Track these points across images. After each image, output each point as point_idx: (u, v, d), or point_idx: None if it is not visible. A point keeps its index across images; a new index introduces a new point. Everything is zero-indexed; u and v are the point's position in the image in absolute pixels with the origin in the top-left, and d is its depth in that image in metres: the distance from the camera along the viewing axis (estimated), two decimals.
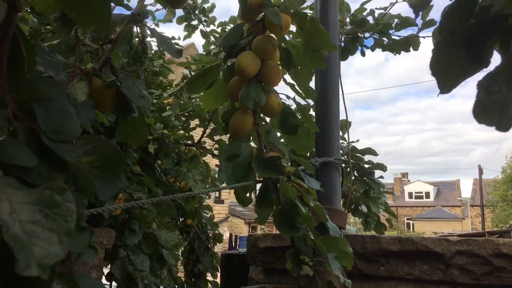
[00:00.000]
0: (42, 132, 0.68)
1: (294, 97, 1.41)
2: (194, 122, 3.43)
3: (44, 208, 0.54)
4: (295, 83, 1.44)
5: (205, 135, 3.15)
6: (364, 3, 2.84)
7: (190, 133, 3.32)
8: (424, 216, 43.75)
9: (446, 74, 0.69)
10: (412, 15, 0.82)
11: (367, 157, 2.53)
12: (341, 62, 2.88)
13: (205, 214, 3.52)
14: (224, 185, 1.27)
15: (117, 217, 2.50)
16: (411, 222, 44.96)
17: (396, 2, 2.83)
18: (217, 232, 3.57)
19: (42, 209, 0.53)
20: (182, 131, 3.27)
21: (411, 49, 2.87)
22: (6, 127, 0.61)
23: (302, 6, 2.16)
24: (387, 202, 2.83)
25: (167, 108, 3.32)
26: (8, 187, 0.55)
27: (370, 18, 2.87)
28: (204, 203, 3.50)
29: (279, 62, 1.40)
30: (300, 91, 1.42)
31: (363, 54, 2.88)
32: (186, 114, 3.32)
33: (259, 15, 1.34)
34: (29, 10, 1.90)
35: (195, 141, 3.15)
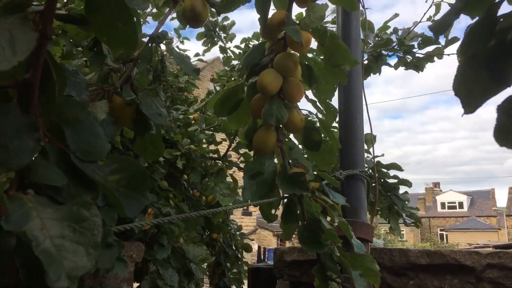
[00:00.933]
0: (72, 152, 0.71)
1: (316, 114, 1.42)
2: (220, 136, 3.48)
3: (72, 223, 0.56)
4: (316, 100, 1.46)
5: (230, 148, 3.18)
6: (388, 21, 2.83)
7: (216, 147, 3.36)
8: (458, 227, 42.42)
9: (470, 94, 0.69)
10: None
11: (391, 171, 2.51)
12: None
13: (233, 225, 3.54)
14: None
15: (146, 231, 2.54)
16: (444, 233, 43.66)
17: (420, 22, 2.81)
18: (245, 242, 3.58)
19: (70, 224, 0.56)
20: (207, 144, 3.32)
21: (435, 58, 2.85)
22: (38, 149, 0.65)
23: (325, 20, 2.17)
24: (416, 213, 2.77)
25: (193, 122, 3.38)
26: (39, 205, 0.58)
27: (393, 36, 2.85)
28: (232, 216, 3.53)
29: (301, 79, 1.41)
30: (322, 108, 1.43)
31: (386, 65, 2.86)
32: (212, 128, 3.37)
33: (280, 33, 1.36)
34: (61, 33, 1.98)
35: (221, 155, 3.19)
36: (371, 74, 2.82)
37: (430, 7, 2.75)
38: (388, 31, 2.85)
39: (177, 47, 4.19)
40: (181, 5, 1.12)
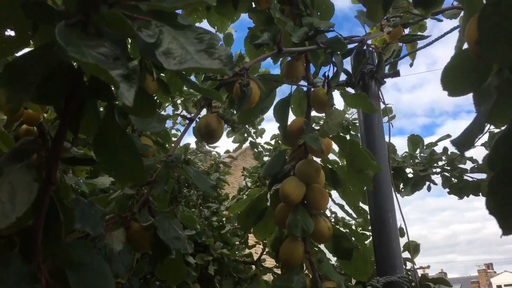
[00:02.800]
0: None
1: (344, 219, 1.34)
2: (253, 238, 3.37)
3: None
4: (344, 202, 1.39)
5: (264, 252, 3.06)
6: (439, 140, 2.76)
7: (250, 250, 3.26)
8: None
9: (506, 214, 0.62)
10: None
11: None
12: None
13: None
14: None
15: None
16: None
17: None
18: None
19: None
20: (240, 246, 3.21)
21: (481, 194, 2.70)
22: None
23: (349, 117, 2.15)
24: None
25: (224, 220, 3.32)
26: None
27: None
28: None
29: (326, 182, 1.37)
30: (350, 211, 1.36)
31: (429, 189, 2.73)
32: None
33: (301, 139, 1.35)
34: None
35: (255, 258, 3.06)
36: (417, 190, 2.68)
37: (484, 133, 2.67)
38: (437, 149, 2.76)
39: (206, 144, 4.28)
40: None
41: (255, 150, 4.16)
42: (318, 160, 1.35)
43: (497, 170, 0.65)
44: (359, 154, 1.18)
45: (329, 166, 1.38)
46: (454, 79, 0.82)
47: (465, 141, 0.71)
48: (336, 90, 1.32)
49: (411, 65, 1.84)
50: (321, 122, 1.35)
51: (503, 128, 0.74)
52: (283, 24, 1.14)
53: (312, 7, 1.49)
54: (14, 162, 0.63)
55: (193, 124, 1.18)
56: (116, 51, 0.62)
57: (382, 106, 1.90)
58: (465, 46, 0.80)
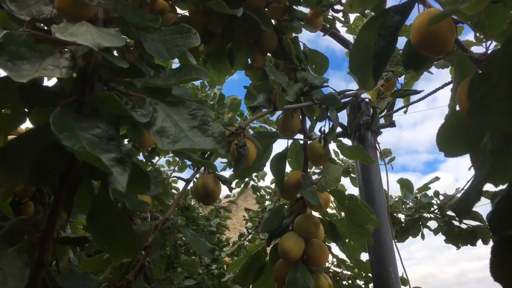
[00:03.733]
0: None
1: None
2: None
3: None
4: (344, 255, 1.37)
5: None
6: (428, 183, 2.73)
7: None
8: None
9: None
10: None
11: None
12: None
13: None
14: None
15: None
16: None
17: (463, 189, 2.69)
18: None
19: None
20: None
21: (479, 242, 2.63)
22: None
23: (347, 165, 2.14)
24: None
25: (226, 267, 3.26)
26: None
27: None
28: None
29: (325, 236, 1.35)
30: (352, 264, 1.33)
31: (422, 236, 2.67)
32: None
33: (299, 193, 1.34)
34: None
35: None
36: (409, 237, 2.62)
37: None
38: (429, 193, 2.73)
39: None
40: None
41: (257, 193, 4.14)
42: (317, 213, 1.33)
43: (500, 237, 0.64)
44: (358, 209, 1.17)
45: (328, 219, 1.36)
46: (450, 139, 0.82)
47: (462, 208, 0.71)
48: (332, 143, 1.32)
49: (405, 112, 1.86)
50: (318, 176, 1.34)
51: (502, 187, 0.74)
52: (278, 85, 1.15)
53: (307, 60, 1.52)
54: (5, 246, 0.62)
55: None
56: (110, 131, 0.62)
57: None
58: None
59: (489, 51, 0.77)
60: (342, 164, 2.98)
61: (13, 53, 0.61)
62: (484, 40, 0.76)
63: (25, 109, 0.74)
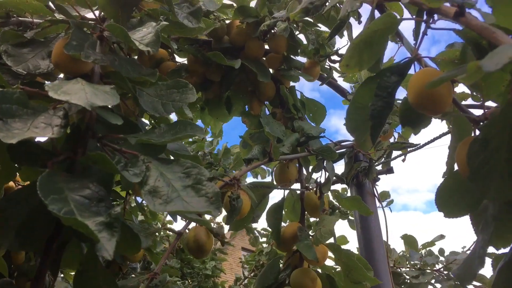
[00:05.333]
0: None
1: None
2: None
3: None
4: None
5: None
6: (434, 240, 2.70)
7: None
8: None
9: None
10: None
11: None
12: None
13: None
14: None
15: None
16: None
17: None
18: None
19: None
20: None
21: None
22: None
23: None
24: None
25: None
26: None
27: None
28: None
29: None
30: None
31: None
32: None
33: (295, 246, 1.30)
34: None
35: None
36: None
37: None
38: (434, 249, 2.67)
39: None
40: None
41: (251, 235, 4.05)
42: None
43: None
44: (355, 266, 1.14)
45: (327, 273, 1.32)
46: (449, 200, 0.80)
47: (466, 274, 0.68)
48: (329, 194, 1.30)
49: (403, 160, 1.86)
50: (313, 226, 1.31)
51: (504, 250, 0.72)
52: (273, 137, 1.15)
53: (304, 109, 1.52)
54: None
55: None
56: (101, 192, 0.61)
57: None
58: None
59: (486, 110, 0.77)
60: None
61: (5, 111, 0.60)
62: (481, 100, 0.75)
63: (16, 165, 0.72)
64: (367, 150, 1.03)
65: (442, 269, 2.54)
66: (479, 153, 0.60)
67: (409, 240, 2.70)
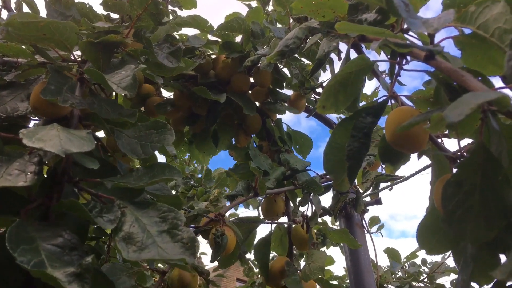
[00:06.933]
0: None
1: None
2: None
3: None
4: None
5: None
6: (417, 250, 2.72)
7: None
8: None
9: None
10: None
11: None
12: None
13: None
14: None
15: None
16: None
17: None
18: None
19: None
20: None
21: None
22: None
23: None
24: None
25: None
26: None
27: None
28: None
29: None
30: None
31: None
32: None
33: (283, 281, 1.29)
34: None
35: None
36: None
37: None
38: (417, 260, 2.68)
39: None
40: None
41: (246, 266, 3.99)
42: None
43: None
44: None
45: None
46: (430, 237, 0.80)
47: None
48: (317, 228, 1.29)
49: (390, 189, 1.86)
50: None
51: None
52: (259, 173, 1.14)
53: (290, 141, 1.52)
54: None
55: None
56: (73, 240, 0.60)
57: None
58: None
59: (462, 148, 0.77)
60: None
61: None
62: (457, 138, 0.76)
63: None
64: (345, 190, 1.02)
65: (425, 279, 2.53)
66: (453, 195, 0.60)
67: (392, 253, 2.69)
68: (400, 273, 2.64)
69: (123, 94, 0.72)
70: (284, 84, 1.50)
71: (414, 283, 2.50)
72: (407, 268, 2.67)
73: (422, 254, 2.71)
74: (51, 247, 0.57)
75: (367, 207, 1.79)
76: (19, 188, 0.69)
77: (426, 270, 2.73)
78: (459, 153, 0.75)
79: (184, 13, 1.53)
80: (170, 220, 0.65)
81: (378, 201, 1.83)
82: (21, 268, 0.60)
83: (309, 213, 1.28)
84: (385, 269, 2.76)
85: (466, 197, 0.59)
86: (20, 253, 0.52)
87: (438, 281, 2.60)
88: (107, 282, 0.65)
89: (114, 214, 0.63)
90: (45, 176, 0.70)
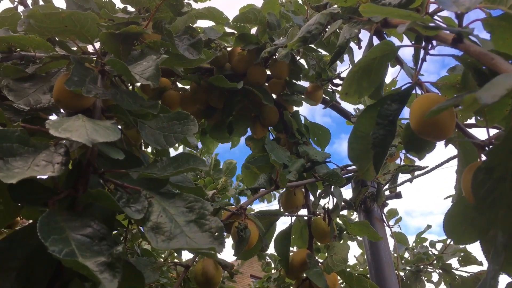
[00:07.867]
0: None
1: None
2: None
3: None
4: None
5: None
6: (421, 233, 2.70)
7: None
8: None
9: None
10: None
11: None
12: None
13: None
14: None
15: None
16: None
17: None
18: None
19: None
20: None
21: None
22: None
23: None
24: None
25: None
26: None
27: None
28: None
29: None
30: None
31: (429, 282, 2.58)
32: None
33: (304, 273, 1.28)
34: None
35: None
36: None
37: None
38: (426, 244, 2.66)
39: None
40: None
41: (263, 261, 3.99)
42: None
43: None
44: None
45: None
46: (458, 227, 0.78)
47: None
48: (335, 221, 1.28)
49: (410, 181, 1.83)
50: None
51: None
52: (279, 165, 1.14)
53: (308, 133, 1.51)
54: None
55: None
56: (103, 230, 0.60)
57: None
58: None
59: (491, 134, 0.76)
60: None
61: (5, 150, 0.60)
62: (486, 124, 0.74)
63: (18, 204, 0.72)
64: (371, 179, 1.01)
65: (435, 261, 2.49)
66: (484, 182, 0.58)
67: (398, 237, 2.66)
68: (407, 255, 2.62)
69: (146, 84, 0.72)
70: (301, 75, 1.48)
71: (420, 265, 2.47)
72: (415, 251, 2.65)
73: (430, 237, 2.70)
74: (80, 237, 0.57)
75: (387, 201, 1.77)
76: (46, 179, 0.70)
77: (436, 252, 2.70)
78: (487, 141, 0.73)
79: (198, 5, 1.53)
80: (197, 210, 0.65)
81: (398, 195, 1.81)
82: (51, 258, 0.61)
83: (330, 205, 1.27)
84: (395, 255, 2.75)
85: (497, 183, 0.58)
86: (51, 243, 0.52)
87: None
88: (135, 272, 0.65)
89: (141, 204, 0.63)
90: (70, 168, 0.70)
